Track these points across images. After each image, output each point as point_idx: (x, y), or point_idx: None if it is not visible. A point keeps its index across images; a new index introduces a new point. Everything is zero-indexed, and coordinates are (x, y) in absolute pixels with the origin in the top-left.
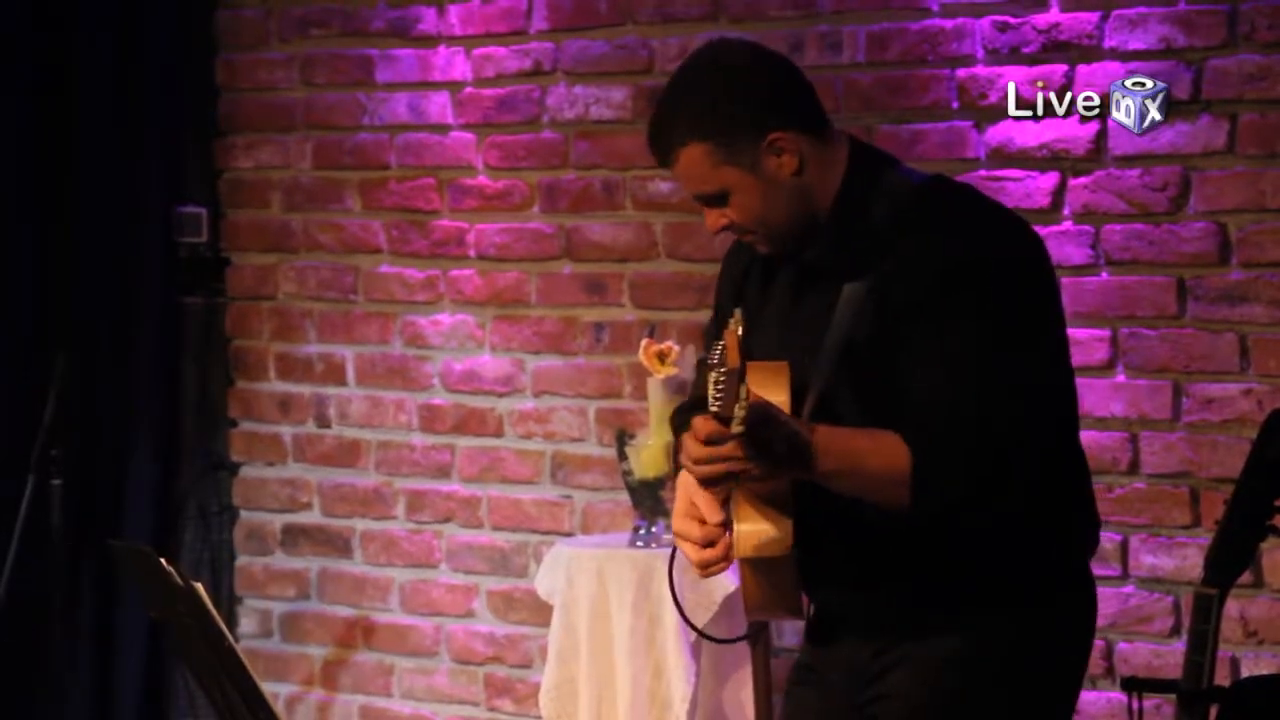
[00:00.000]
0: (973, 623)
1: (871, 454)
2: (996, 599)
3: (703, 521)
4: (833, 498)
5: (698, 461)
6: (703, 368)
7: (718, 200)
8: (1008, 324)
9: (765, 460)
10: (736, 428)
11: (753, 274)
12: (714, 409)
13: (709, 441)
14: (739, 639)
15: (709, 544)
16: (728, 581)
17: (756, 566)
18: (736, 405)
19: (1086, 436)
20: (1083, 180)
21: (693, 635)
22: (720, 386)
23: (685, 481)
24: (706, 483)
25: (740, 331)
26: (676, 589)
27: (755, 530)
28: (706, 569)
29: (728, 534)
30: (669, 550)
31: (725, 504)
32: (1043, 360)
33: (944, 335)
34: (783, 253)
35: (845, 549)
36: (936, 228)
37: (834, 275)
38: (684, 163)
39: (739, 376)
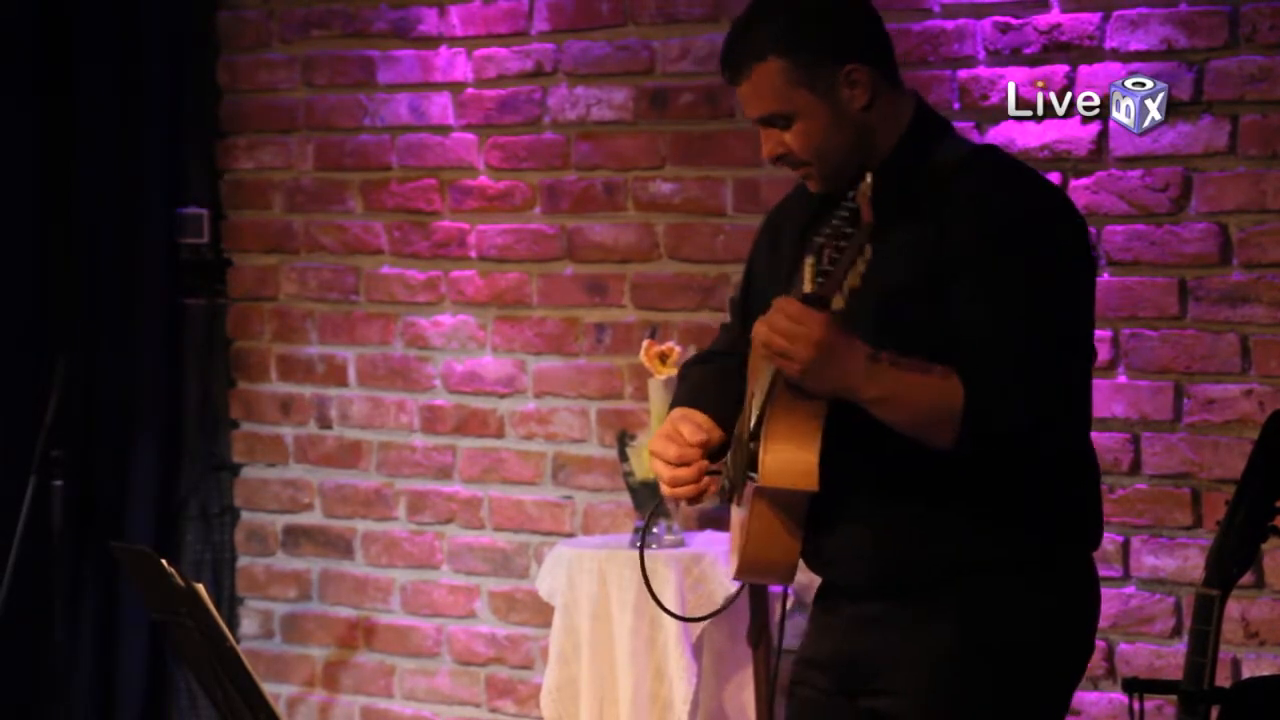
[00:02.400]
0: (974, 602)
1: (924, 381)
2: (1001, 571)
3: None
4: (857, 442)
5: (774, 329)
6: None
7: (781, 122)
8: (1061, 277)
9: (839, 350)
10: (839, 303)
11: (788, 228)
12: (813, 287)
13: (790, 317)
14: (710, 616)
15: (683, 464)
16: (730, 584)
17: (773, 502)
18: (851, 272)
19: None
20: (1084, 181)
21: (694, 636)
22: (837, 254)
23: (672, 415)
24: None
25: (870, 195)
26: (676, 590)
27: (784, 459)
28: (675, 488)
29: (704, 461)
30: (670, 551)
31: (753, 439)
32: (1086, 322)
33: (1002, 281)
34: (832, 191)
35: (862, 496)
36: (994, 184)
37: (880, 222)
38: (757, 78)
39: (868, 235)
